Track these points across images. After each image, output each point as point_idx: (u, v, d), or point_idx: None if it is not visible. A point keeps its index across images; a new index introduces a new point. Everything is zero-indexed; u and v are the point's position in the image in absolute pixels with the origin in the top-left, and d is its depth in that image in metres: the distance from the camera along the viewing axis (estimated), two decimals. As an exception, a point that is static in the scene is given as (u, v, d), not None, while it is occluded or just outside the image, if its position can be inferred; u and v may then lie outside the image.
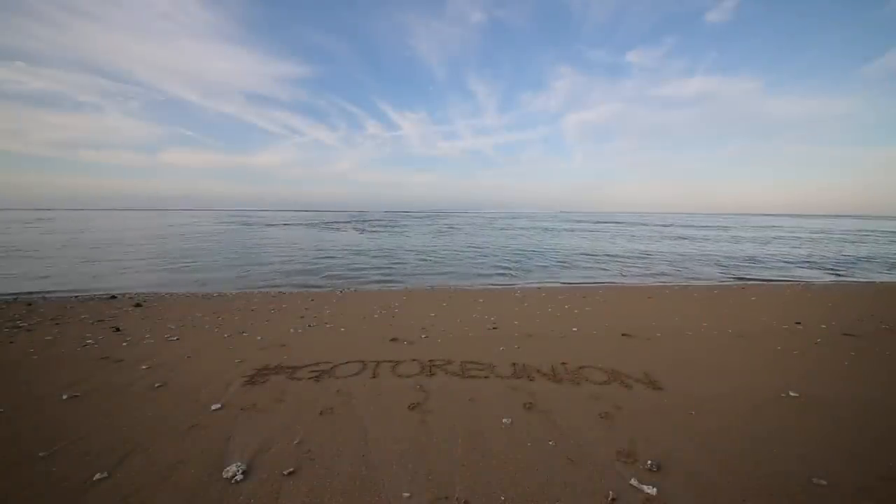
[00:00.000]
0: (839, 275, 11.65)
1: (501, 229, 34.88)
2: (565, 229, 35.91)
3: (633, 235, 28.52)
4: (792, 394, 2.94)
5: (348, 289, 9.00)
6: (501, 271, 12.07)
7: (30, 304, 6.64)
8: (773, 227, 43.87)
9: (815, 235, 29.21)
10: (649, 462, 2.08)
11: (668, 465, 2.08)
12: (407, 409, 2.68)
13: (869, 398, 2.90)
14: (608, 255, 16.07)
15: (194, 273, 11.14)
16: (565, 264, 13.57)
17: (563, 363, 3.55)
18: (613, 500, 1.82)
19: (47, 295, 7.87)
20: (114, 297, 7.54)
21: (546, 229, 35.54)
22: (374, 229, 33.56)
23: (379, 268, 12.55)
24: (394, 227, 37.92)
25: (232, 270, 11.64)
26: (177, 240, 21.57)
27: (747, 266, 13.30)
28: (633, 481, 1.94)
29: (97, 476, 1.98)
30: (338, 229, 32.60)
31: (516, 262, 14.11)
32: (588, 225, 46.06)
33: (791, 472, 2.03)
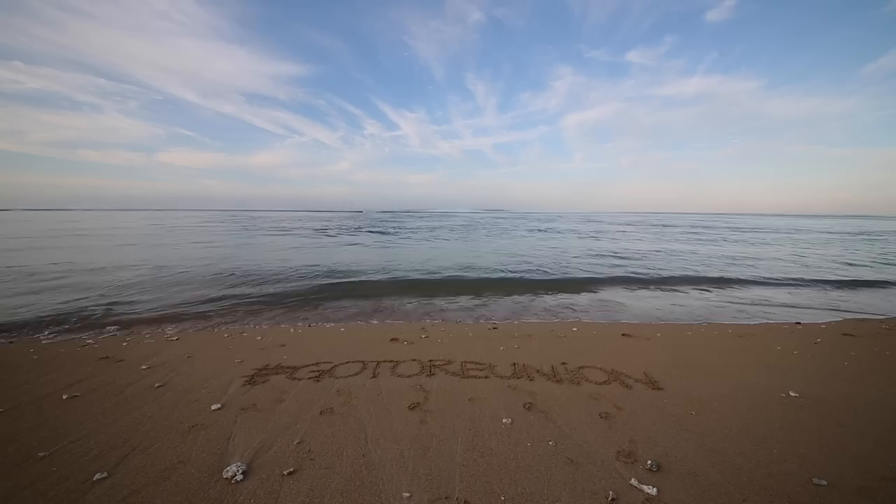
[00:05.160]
0: None
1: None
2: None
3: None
4: (792, 394, 2.94)
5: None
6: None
7: (30, 304, 6.63)
8: (800, 230, 33.67)
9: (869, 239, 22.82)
10: (649, 462, 2.08)
11: (668, 465, 2.08)
12: (407, 409, 2.68)
13: (869, 398, 2.90)
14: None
15: (196, 278, 11.12)
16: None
17: (563, 363, 3.54)
18: (613, 500, 1.82)
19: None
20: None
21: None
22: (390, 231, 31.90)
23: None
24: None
25: (233, 275, 11.61)
26: (178, 242, 21.52)
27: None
28: (633, 481, 1.94)
29: (97, 476, 1.98)
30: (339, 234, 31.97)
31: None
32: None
33: (791, 472, 2.03)
